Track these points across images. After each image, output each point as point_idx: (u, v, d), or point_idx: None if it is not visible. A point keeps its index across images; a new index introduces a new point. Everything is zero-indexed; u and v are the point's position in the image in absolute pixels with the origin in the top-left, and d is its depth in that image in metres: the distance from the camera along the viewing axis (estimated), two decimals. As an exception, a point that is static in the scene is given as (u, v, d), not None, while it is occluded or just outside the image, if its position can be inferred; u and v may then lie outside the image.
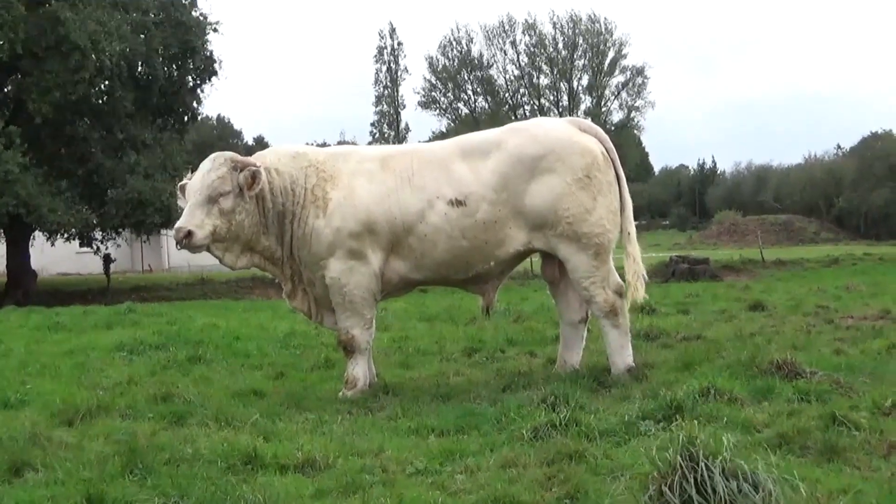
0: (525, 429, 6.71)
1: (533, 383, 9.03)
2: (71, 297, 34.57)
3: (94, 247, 40.77)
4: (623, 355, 9.34)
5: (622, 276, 9.61)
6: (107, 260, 42.53)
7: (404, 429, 7.29)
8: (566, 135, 9.49)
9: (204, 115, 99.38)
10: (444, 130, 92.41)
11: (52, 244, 38.78)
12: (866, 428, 6.25)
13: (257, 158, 9.53)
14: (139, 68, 37.72)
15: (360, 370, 9.37)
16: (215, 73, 41.06)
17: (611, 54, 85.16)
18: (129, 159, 36.09)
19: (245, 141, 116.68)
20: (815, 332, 12.96)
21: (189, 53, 39.29)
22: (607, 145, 9.64)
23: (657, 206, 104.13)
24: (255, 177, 9.14)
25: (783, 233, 74.32)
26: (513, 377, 9.60)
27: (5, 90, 36.94)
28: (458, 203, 9.18)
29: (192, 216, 9.08)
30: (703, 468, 4.62)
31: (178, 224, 9.15)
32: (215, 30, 40.56)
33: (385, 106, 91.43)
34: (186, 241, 9.08)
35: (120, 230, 39.09)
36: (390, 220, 9.20)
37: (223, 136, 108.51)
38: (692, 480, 4.60)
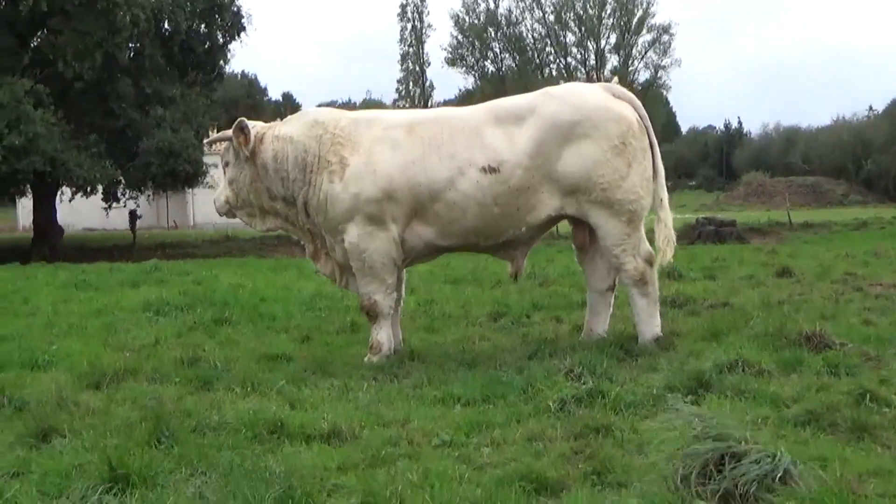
0: (551, 400, 6.66)
1: (559, 351, 8.98)
2: (97, 254, 34.78)
3: (122, 203, 41.03)
4: (651, 324, 9.28)
5: (651, 242, 9.55)
6: (132, 216, 42.72)
7: (430, 398, 7.25)
8: (602, 101, 9.38)
9: (231, 72, 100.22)
10: (470, 88, 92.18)
11: (70, 200, 38.87)
12: (896, 405, 6.19)
13: (277, 126, 9.68)
14: (165, 25, 37.73)
15: (383, 335, 9.36)
16: (244, 29, 41.03)
17: (638, 13, 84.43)
18: (155, 113, 36.24)
19: (270, 97, 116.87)
20: (844, 300, 12.83)
21: (217, 10, 39.21)
22: (641, 112, 9.54)
23: (684, 167, 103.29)
24: (242, 130, 9.49)
25: (811, 195, 73.70)
26: (539, 344, 9.55)
27: (32, 46, 36.98)
28: (490, 170, 9.08)
29: (219, 186, 10.00)
30: (731, 455, 4.57)
31: None
32: (244, -17, 40.48)
33: (410, 64, 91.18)
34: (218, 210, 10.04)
35: (146, 186, 39.27)
36: (413, 188, 9.11)
37: (250, 92, 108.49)
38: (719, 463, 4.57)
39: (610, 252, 9.30)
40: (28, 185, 36.55)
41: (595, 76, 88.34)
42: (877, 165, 75.78)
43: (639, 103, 9.60)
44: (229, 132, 9.74)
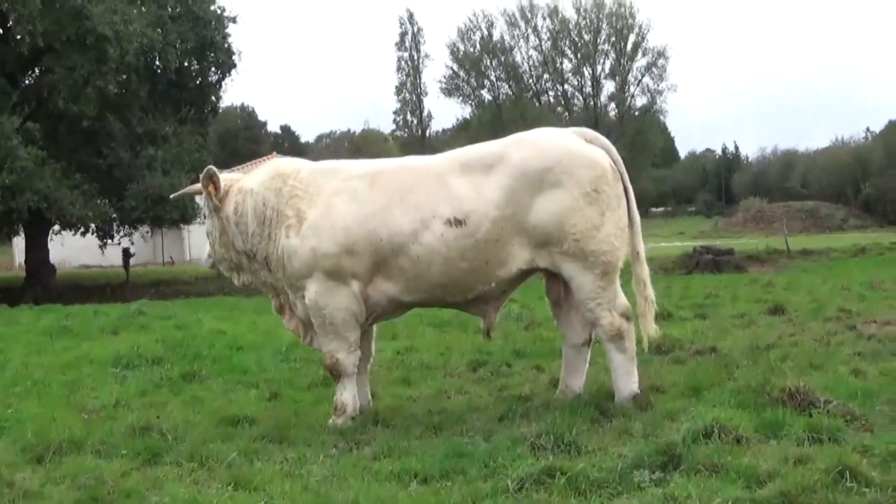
0: (510, 478, 6.20)
1: (531, 412, 8.59)
2: (90, 293, 34.44)
3: (117, 241, 40.85)
4: (628, 382, 8.82)
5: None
6: (126, 254, 42.37)
7: (386, 473, 6.75)
8: (574, 146, 8.93)
9: (229, 105, 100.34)
10: (467, 117, 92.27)
11: (57, 234, 38.64)
12: (877, 483, 5.70)
13: (243, 178, 9.40)
14: (156, 62, 37.56)
15: (348, 395, 8.95)
16: (234, 67, 40.90)
17: (633, 38, 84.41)
18: (146, 153, 36.04)
19: (269, 129, 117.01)
20: (835, 342, 12.45)
21: (208, 48, 39.08)
22: (614, 156, 9.07)
23: (682, 192, 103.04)
24: (211, 178, 9.22)
25: (810, 219, 73.31)
26: (511, 403, 9.16)
27: (24, 85, 36.85)
28: (456, 223, 8.65)
29: None
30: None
31: None
32: (234, 21, 40.26)
33: (407, 94, 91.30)
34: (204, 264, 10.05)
35: (138, 225, 39.17)
36: (374, 242, 8.69)
37: (248, 125, 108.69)
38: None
39: (584, 306, 8.86)
40: (21, 225, 36.32)
41: (592, 102, 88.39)
42: (875, 189, 75.33)
43: (612, 147, 9.16)
44: (197, 186, 9.44)
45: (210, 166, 9.41)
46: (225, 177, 9.42)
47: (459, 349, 13.21)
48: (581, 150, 8.91)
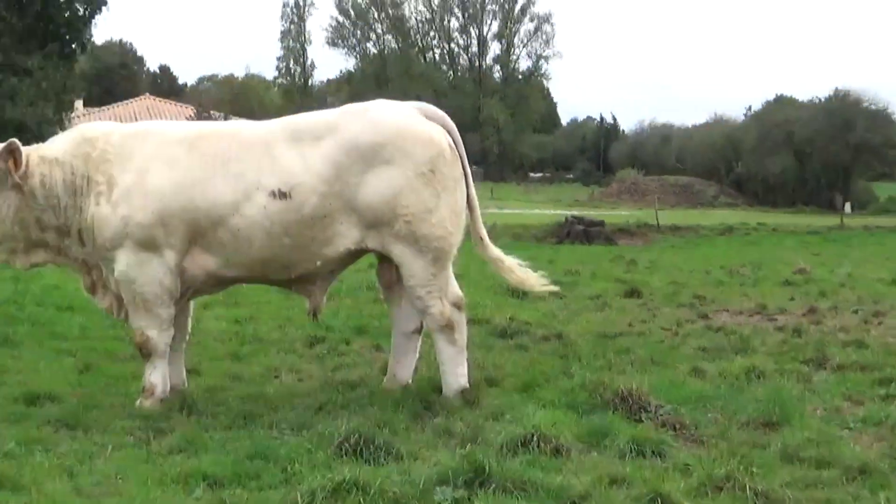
0: (302, 492, 5.66)
1: (353, 402, 8.11)
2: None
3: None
4: (456, 375, 8.35)
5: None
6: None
7: (173, 475, 6.07)
8: (410, 122, 8.40)
9: (107, 40, 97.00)
10: (351, 70, 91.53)
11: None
12: (689, 515, 5.36)
13: (42, 147, 8.49)
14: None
15: (157, 376, 8.28)
16: (105, 4, 39.21)
17: (521, 0, 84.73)
18: (9, 84, 34.45)
19: (148, 67, 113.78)
20: (683, 333, 12.31)
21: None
22: (454, 135, 8.56)
23: (562, 159, 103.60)
24: (12, 153, 8.14)
25: (683, 194, 74.46)
26: (336, 390, 8.65)
27: None
28: (281, 195, 8.05)
29: None
30: None
31: None
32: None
33: (291, 41, 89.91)
34: None
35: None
36: (191, 212, 8.04)
37: (125, 62, 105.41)
38: None
39: (414, 293, 8.35)
40: None
41: (477, 63, 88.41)
42: (746, 168, 76.96)
43: (452, 125, 8.62)
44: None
45: (13, 139, 8.34)
46: (24, 149, 8.35)
47: (301, 321, 12.59)
48: (418, 126, 8.38)
